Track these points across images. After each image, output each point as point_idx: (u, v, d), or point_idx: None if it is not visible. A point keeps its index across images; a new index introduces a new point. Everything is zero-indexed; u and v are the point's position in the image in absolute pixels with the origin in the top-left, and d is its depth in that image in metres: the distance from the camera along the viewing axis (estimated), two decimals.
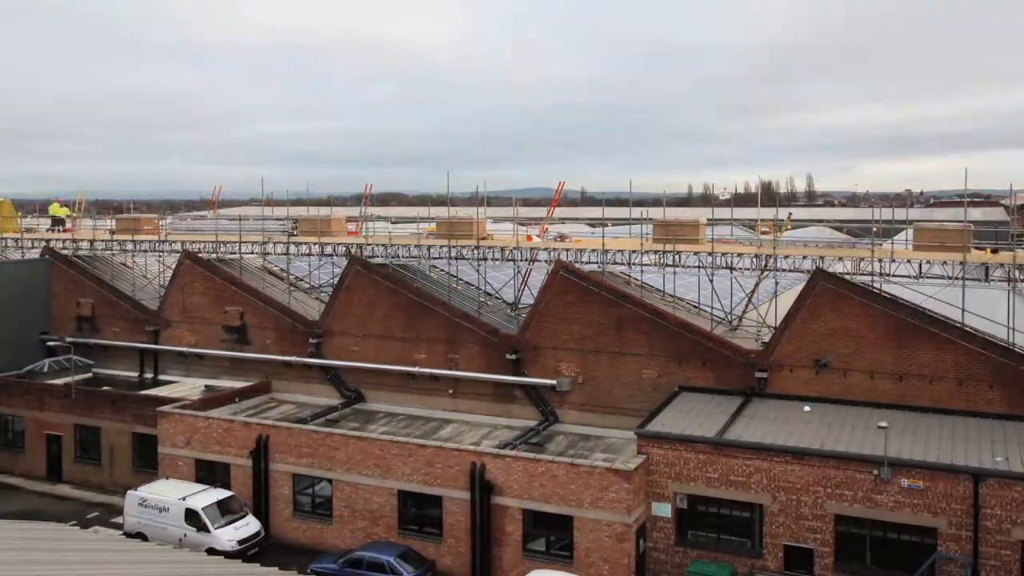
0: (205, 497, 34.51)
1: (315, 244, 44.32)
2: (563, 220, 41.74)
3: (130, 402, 41.77)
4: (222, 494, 35.03)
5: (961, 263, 32.06)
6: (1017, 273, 31.47)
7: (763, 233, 36.15)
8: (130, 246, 49.92)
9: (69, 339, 47.69)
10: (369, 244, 42.92)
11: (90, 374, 47.92)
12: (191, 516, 33.79)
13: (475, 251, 40.28)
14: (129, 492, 35.58)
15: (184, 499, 34.26)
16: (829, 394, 32.89)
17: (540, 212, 59.66)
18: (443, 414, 39.80)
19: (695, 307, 39.58)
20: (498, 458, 31.62)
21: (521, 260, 40.19)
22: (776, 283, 35.95)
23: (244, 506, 35.34)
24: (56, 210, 58.79)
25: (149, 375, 47.35)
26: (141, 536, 32.21)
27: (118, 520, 36.75)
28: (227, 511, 34.45)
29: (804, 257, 35.07)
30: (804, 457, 28.50)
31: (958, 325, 31.57)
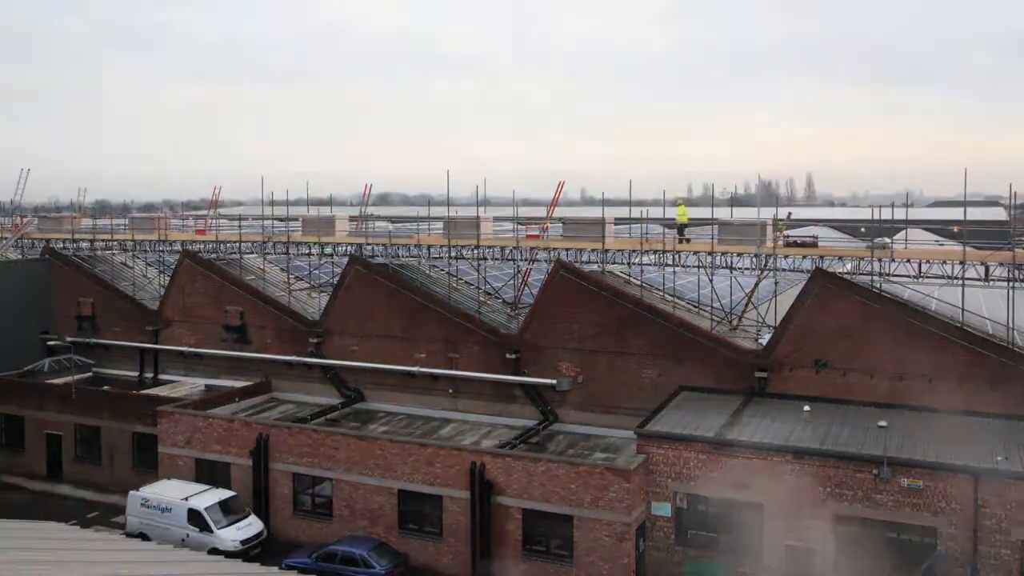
0: (208, 497, 34.45)
1: (315, 244, 44.35)
2: (562, 220, 41.61)
3: (130, 402, 41.80)
4: (224, 494, 34.96)
5: (961, 263, 32.06)
6: (1017, 273, 31.45)
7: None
8: (130, 246, 50.02)
9: (69, 339, 47.70)
10: (369, 244, 42.95)
11: (90, 374, 47.98)
12: (194, 516, 33.70)
13: (475, 251, 40.30)
14: (131, 492, 35.40)
15: (187, 499, 34.17)
16: (829, 394, 32.87)
17: (540, 212, 59.54)
18: (443, 414, 39.82)
19: (695, 307, 39.59)
20: (498, 458, 31.64)
21: (521, 260, 40.21)
22: (776, 283, 35.98)
23: (246, 506, 35.34)
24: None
25: (149, 375, 47.37)
26: (143, 536, 32.02)
27: (119, 520, 36.77)
28: (229, 511, 34.36)
29: (804, 257, 35.08)
30: (804, 457, 28.50)
31: (958, 325, 31.58)
